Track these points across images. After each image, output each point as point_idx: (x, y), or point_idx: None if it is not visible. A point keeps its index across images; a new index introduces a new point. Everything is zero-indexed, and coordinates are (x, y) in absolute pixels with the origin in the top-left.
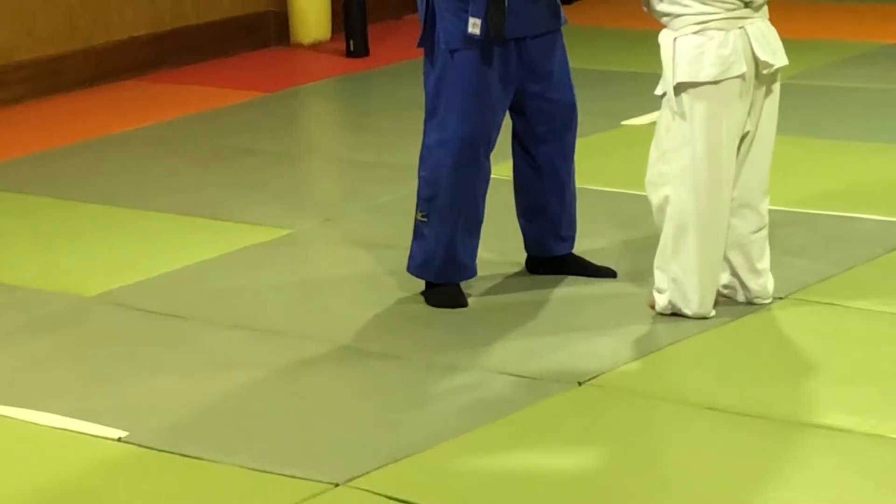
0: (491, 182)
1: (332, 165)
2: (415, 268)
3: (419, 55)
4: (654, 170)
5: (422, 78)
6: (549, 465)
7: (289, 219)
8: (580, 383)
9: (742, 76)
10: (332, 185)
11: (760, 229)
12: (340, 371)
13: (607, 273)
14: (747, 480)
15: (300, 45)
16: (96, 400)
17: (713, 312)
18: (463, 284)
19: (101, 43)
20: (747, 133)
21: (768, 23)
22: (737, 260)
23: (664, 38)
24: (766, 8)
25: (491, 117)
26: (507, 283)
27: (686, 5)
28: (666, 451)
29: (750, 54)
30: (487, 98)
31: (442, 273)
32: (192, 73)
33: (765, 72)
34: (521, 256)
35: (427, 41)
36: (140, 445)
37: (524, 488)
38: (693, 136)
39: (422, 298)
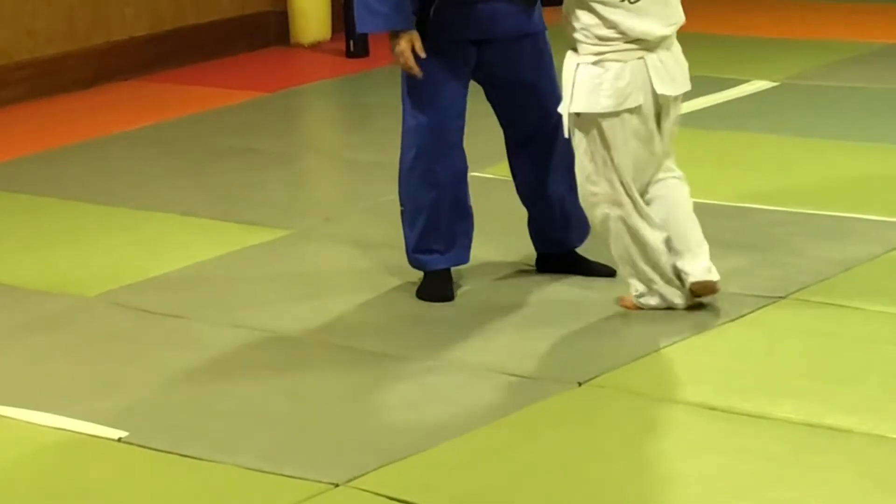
0: (492, 182)
1: (332, 165)
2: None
3: None
4: (584, 190)
5: None
6: (549, 465)
7: (289, 219)
8: (580, 383)
9: (639, 108)
10: (332, 185)
11: (672, 220)
12: (340, 371)
13: (606, 272)
14: (747, 480)
15: (300, 45)
16: (96, 400)
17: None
18: (459, 287)
19: (101, 43)
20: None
21: (674, 50)
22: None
23: (568, 61)
24: (674, 34)
25: (446, 106)
26: (506, 283)
27: (587, 35)
28: (666, 451)
29: (649, 85)
30: (439, 90)
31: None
32: (192, 73)
33: (661, 102)
34: (521, 256)
35: None
36: (140, 445)
37: (524, 488)
38: (601, 161)
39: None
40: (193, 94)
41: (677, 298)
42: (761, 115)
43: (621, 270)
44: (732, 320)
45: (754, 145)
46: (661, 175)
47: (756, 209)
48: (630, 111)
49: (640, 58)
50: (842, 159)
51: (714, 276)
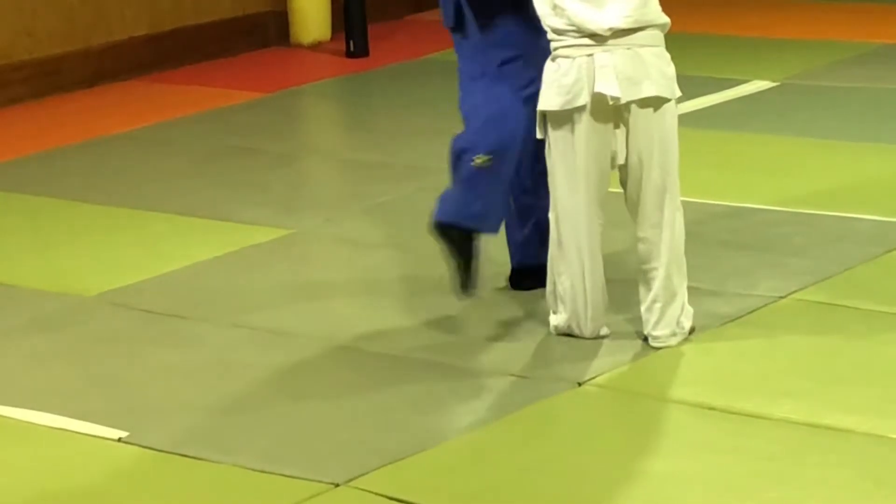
0: None
1: (332, 165)
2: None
3: (419, 55)
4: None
5: (421, 78)
6: (548, 465)
7: (289, 219)
8: (580, 383)
9: (585, 107)
10: (332, 185)
11: (652, 266)
12: (340, 371)
13: None
14: (747, 480)
15: (300, 45)
16: (96, 400)
17: (605, 331)
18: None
19: (101, 43)
20: (626, 162)
21: (643, 52)
22: (641, 292)
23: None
24: (646, 34)
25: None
26: (506, 283)
27: (547, 28)
28: (666, 451)
29: (594, 85)
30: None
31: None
32: (192, 73)
33: (612, 103)
34: None
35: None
36: (140, 445)
37: (524, 488)
38: (553, 163)
39: (421, 297)
40: (193, 94)
41: (583, 329)
42: (761, 115)
43: (548, 284)
44: (732, 320)
45: (754, 145)
46: (650, 232)
47: (756, 209)
48: (578, 111)
49: (589, 55)
50: (842, 159)
51: (677, 339)
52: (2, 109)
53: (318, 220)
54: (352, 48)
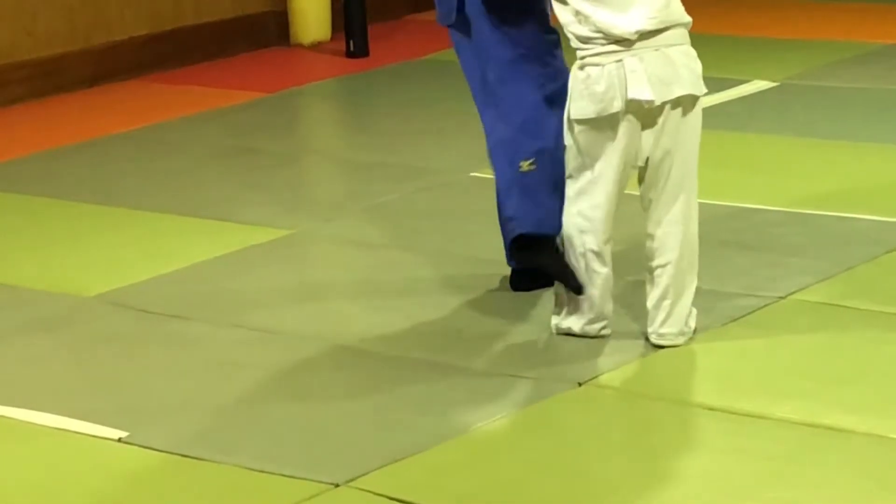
0: (492, 182)
1: (332, 165)
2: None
3: (419, 55)
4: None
5: (421, 78)
6: (549, 465)
7: (289, 219)
8: (580, 383)
9: (619, 113)
10: (332, 185)
11: (663, 262)
12: (340, 371)
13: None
14: (747, 480)
15: (300, 45)
16: (96, 400)
17: (606, 331)
18: (459, 287)
19: (101, 43)
20: (648, 160)
21: (670, 52)
22: (648, 290)
23: (572, 69)
24: (673, 33)
25: None
26: (505, 283)
27: (570, 36)
28: (666, 451)
29: (625, 90)
30: None
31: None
32: (192, 73)
33: (646, 106)
34: None
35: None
36: (140, 445)
37: (524, 488)
38: (578, 167)
39: (421, 297)
40: (193, 94)
41: (584, 327)
42: (761, 115)
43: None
44: (732, 320)
45: (754, 145)
46: (663, 229)
47: (756, 209)
48: (612, 117)
49: (618, 60)
50: (842, 159)
51: (684, 338)
52: (2, 109)
53: (318, 220)
54: (352, 48)
